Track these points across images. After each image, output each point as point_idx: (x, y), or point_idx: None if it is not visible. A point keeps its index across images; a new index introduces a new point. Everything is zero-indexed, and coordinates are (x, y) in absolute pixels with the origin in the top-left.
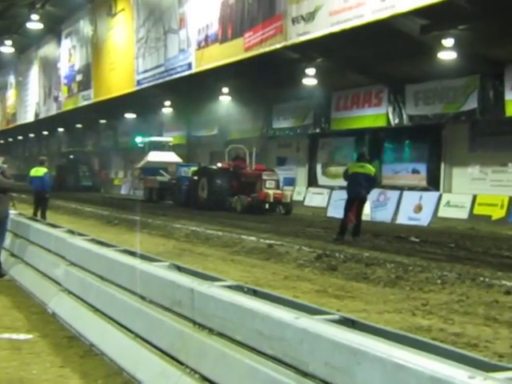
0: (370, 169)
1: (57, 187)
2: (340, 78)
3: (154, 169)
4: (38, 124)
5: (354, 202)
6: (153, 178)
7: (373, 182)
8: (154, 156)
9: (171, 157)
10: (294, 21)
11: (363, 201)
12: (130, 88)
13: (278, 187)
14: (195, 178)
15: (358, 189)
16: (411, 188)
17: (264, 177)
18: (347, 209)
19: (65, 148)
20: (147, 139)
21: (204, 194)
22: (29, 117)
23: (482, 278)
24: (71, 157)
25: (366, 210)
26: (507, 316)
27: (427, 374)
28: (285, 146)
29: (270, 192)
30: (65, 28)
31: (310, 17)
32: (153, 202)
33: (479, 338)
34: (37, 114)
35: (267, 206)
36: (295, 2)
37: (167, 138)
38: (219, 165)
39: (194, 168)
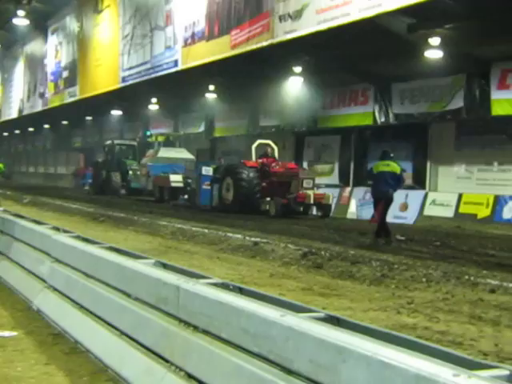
0: (395, 167)
1: (96, 190)
2: (327, 76)
3: (164, 165)
4: (26, 120)
5: (380, 202)
6: (165, 176)
7: (399, 180)
8: (164, 152)
9: (183, 153)
10: (281, 18)
11: (390, 200)
12: (115, 85)
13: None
14: (218, 176)
15: (384, 189)
16: None
17: (301, 175)
18: (376, 209)
19: (102, 138)
20: (157, 133)
21: (229, 195)
22: (13, 113)
23: (467, 277)
24: (115, 150)
25: (352, 208)
26: (492, 314)
27: (412, 371)
28: None
29: (310, 192)
30: (51, 24)
31: (296, 15)
32: (164, 203)
33: (464, 336)
34: (20, 111)
35: (301, 208)
36: None
37: (178, 133)
38: (247, 164)
39: (215, 166)
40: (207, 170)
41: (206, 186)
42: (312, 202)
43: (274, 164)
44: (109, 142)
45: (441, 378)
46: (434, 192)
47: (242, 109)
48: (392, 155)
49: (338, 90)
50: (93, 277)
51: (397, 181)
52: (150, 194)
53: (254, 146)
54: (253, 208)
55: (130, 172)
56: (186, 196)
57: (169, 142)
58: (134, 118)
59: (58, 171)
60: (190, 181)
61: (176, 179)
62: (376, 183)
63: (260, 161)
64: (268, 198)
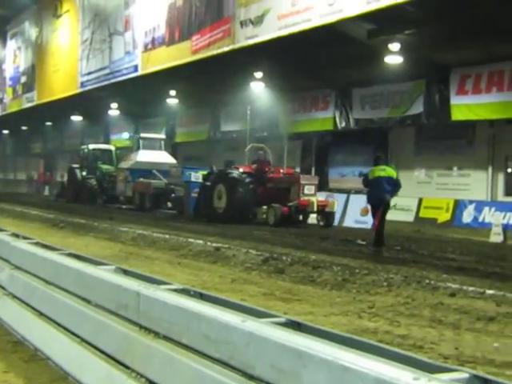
0: (391, 171)
1: (71, 198)
2: (288, 82)
3: (146, 170)
4: None
5: (378, 208)
6: (146, 182)
7: (397, 185)
8: (144, 156)
9: (164, 157)
10: (243, 24)
11: (388, 206)
12: (74, 90)
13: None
14: (208, 183)
15: (381, 194)
16: (358, 191)
17: (302, 181)
18: (375, 216)
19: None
20: (136, 136)
21: (221, 203)
22: None
23: (427, 281)
24: (92, 155)
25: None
26: (452, 318)
27: (372, 375)
28: (233, 149)
29: (313, 199)
30: (10, 29)
31: (258, 20)
32: (145, 211)
33: (424, 339)
34: None
35: (301, 216)
36: (243, 5)
37: (159, 135)
38: (240, 169)
39: (204, 172)
40: (196, 177)
41: (195, 194)
42: (315, 209)
43: (268, 169)
44: (84, 146)
45: (401, 382)
46: (395, 196)
47: (204, 114)
48: (385, 160)
49: (298, 95)
50: (53, 284)
51: (394, 185)
52: (128, 202)
53: (247, 150)
54: (248, 217)
55: (107, 178)
56: (170, 204)
57: (148, 145)
58: (94, 123)
59: (17, 177)
60: (173, 187)
61: (158, 185)
62: (372, 189)
63: (254, 166)
64: (265, 206)
